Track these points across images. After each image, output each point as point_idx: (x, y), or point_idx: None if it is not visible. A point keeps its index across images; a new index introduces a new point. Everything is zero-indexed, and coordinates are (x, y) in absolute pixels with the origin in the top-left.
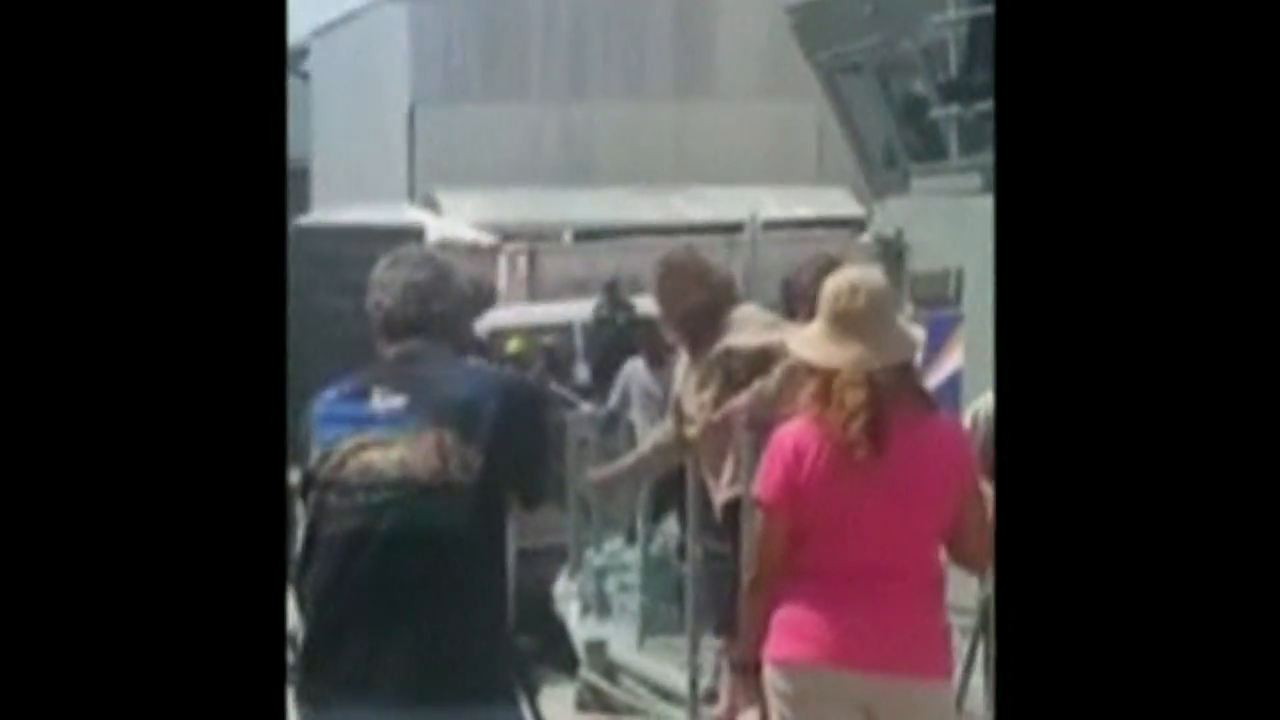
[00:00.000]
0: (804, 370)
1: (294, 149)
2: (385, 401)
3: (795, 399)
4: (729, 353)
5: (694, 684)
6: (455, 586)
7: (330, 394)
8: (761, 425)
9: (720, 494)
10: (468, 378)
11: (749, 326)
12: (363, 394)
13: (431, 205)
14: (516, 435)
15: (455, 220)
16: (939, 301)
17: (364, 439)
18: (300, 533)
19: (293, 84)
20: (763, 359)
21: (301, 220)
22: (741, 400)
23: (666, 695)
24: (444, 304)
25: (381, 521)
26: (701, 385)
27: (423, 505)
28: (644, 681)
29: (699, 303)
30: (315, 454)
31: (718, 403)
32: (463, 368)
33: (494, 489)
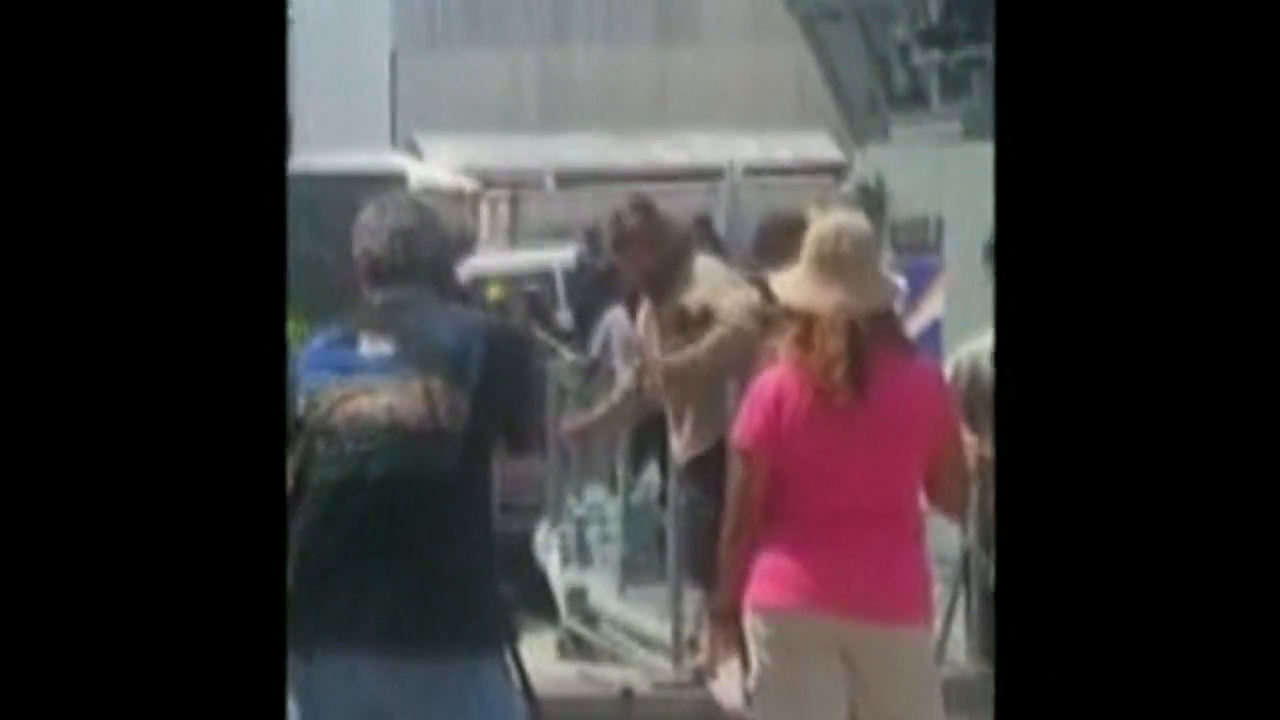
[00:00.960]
0: (785, 314)
1: None
2: (373, 348)
3: (727, 365)
4: (683, 310)
5: (676, 633)
6: (443, 534)
7: (317, 340)
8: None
9: (682, 450)
10: (455, 324)
11: (707, 282)
12: (350, 340)
13: (413, 150)
14: (503, 381)
15: (436, 166)
16: (919, 249)
17: (351, 386)
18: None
19: None
20: (709, 318)
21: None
22: (670, 360)
23: (648, 643)
24: (430, 250)
25: (370, 468)
26: (663, 335)
27: (411, 452)
28: (625, 630)
29: (653, 263)
30: (302, 401)
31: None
32: (450, 313)
33: (481, 436)
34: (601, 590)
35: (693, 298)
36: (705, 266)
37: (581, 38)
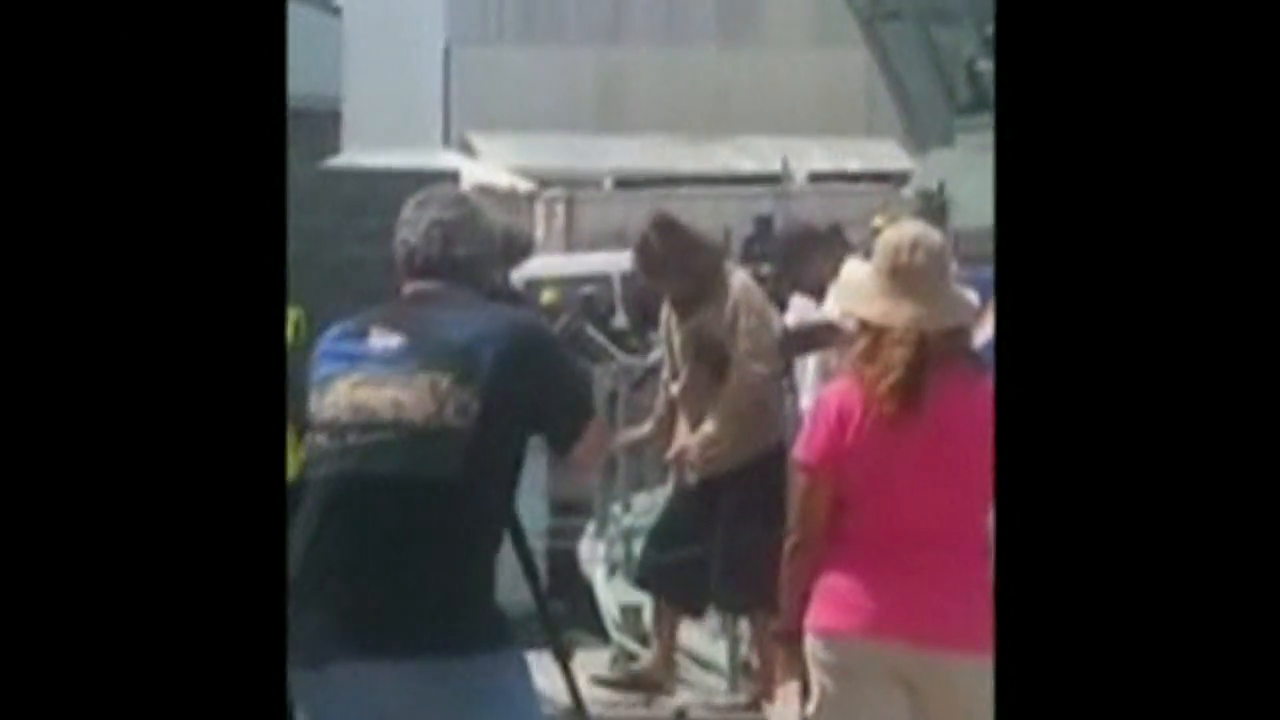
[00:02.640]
0: (858, 328)
1: (325, 89)
2: (382, 340)
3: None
4: (708, 330)
5: (732, 654)
6: (444, 535)
7: (333, 331)
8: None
9: (703, 461)
10: (472, 320)
11: (740, 300)
12: (360, 333)
13: (467, 150)
14: (521, 378)
15: (491, 166)
16: (983, 259)
17: (357, 378)
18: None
19: (324, 20)
20: (733, 339)
21: (330, 163)
22: (696, 445)
23: (703, 664)
24: (468, 247)
25: (373, 463)
26: (683, 348)
27: (416, 448)
28: (683, 650)
29: (680, 282)
30: (312, 395)
31: (684, 381)
32: (471, 309)
33: (494, 435)
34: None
35: (719, 318)
36: (739, 286)
37: (641, 37)
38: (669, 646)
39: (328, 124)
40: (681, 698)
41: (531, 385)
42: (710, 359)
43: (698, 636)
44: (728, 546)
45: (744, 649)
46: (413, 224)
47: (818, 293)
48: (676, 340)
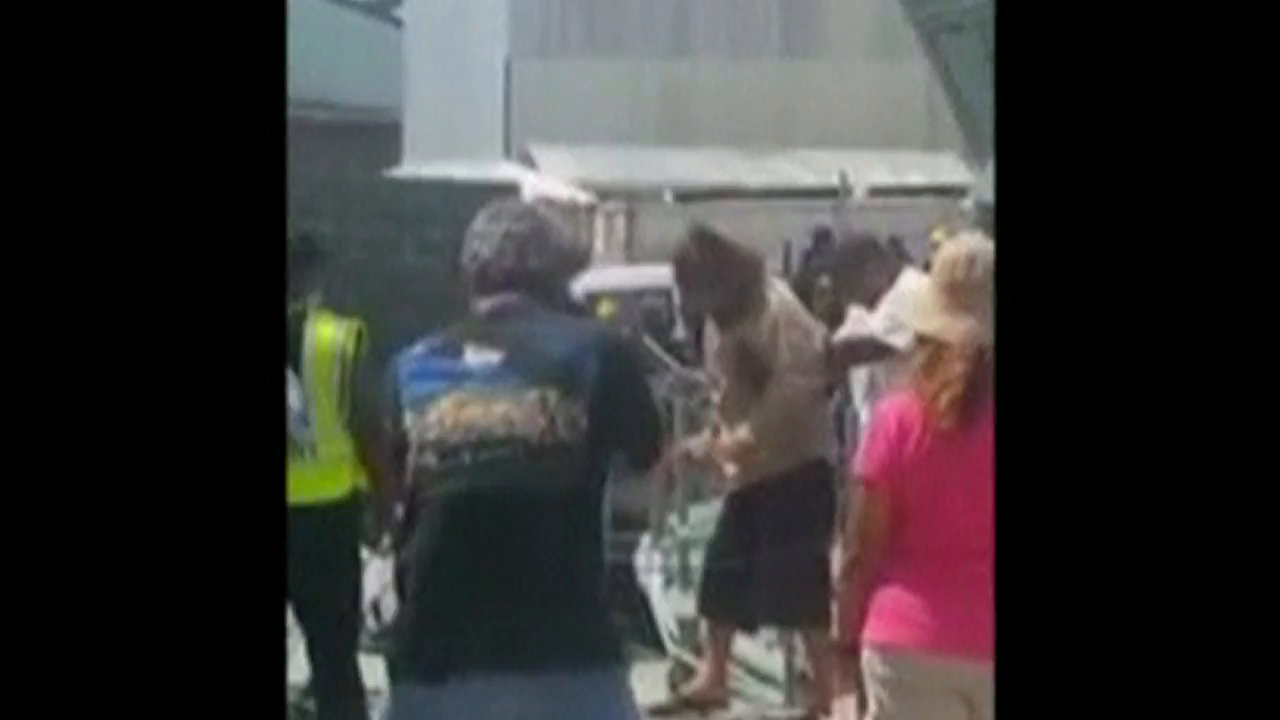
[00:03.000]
0: (916, 341)
1: (386, 100)
2: (480, 356)
3: (788, 419)
4: (749, 343)
5: (789, 665)
6: (564, 549)
7: (418, 349)
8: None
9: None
10: (565, 334)
11: (780, 314)
12: (455, 350)
13: (527, 161)
14: (618, 394)
15: (551, 178)
16: None
17: (461, 396)
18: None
19: (386, 31)
20: (774, 352)
21: (391, 173)
22: (688, 445)
23: (760, 676)
24: (541, 260)
25: (490, 481)
26: (723, 360)
27: (532, 465)
28: (736, 661)
29: (720, 295)
30: (409, 415)
31: (724, 391)
32: (558, 323)
33: (599, 449)
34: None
35: (759, 330)
36: (779, 300)
37: (703, 49)
38: (721, 661)
39: (389, 135)
40: (736, 710)
41: (627, 399)
42: (750, 371)
43: (753, 648)
44: (771, 559)
45: (800, 661)
46: (485, 237)
47: (873, 304)
48: (717, 351)
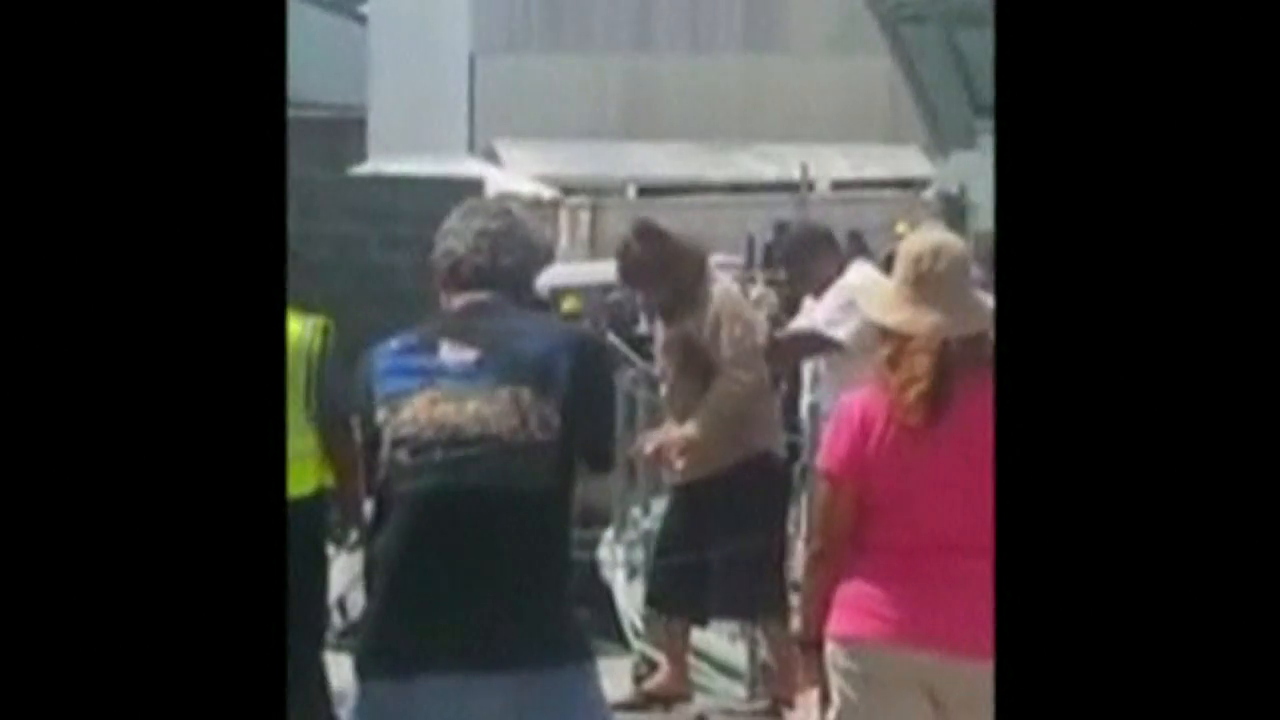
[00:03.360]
0: (876, 335)
1: (350, 96)
2: (455, 354)
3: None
4: (692, 337)
5: (753, 658)
6: (535, 547)
7: (392, 345)
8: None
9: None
10: (539, 332)
11: (722, 308)
12: (430, 346)
13: (492, 157)
14: (589, 394)
15: (515, 173)
16: None
17: (435, 393)
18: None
19: (350, 27)
20: (716, 346)
21: (355, 170)
22: (675, 440)
23: (723, 669)
24: (514, 257)
25: (462, 479)
26: (669, 354)
27: (504, 463)
28: (701, 655)
29: (663, 290)
30: (382, 410)
31: (670, 385)
32: (532, 321)
33: (570, 447)
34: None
35: (702, 325)
36: (721, 293)
37: (666, 44)
38: (681, 655)
39: (353, 131)
40: (700, 703)
41: (595, 401)
42: (695, 365)
43: (716, 641)
44: (719, 553)
45: (763, 653)
46: (458, 234)
47: (822, 295)
48: (663, 346)
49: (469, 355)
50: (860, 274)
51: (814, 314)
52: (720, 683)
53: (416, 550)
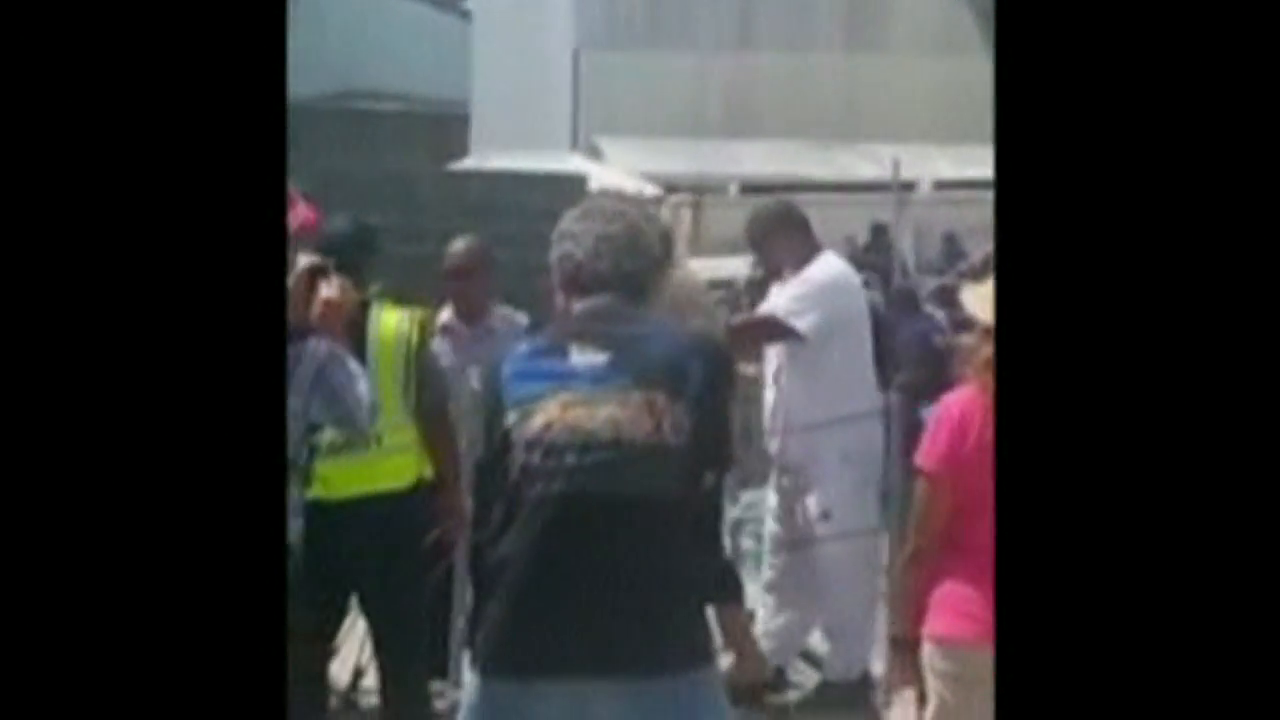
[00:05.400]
0: (982, 333)
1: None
2: (585, 357)
3: None
4: None
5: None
6: (665, 551)
7: (522, 349)
8: None
9: None
10: (667, 336)
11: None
12: (559, 350)
13: (594, 153)
14: (715, 397)
15: (618, 170)
16: None
17: (567, 396)
18: (476, 494)
19: (453, 23)
20: None
21: (456, 165)
22: None
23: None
24: (635, 261)
25: (595, 482)
26: None
27: (637, 467)
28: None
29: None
30: (512, 414)
31: None
32: (657, 325)
33: (702, 451)
34: (757, 601)
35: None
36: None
37: (768, 43)
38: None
39: (456, 127)
40: (791, 697)
41: (723, 403)
42: None
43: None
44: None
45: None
46: (576, 238)
47: (780, 276)
48: None
49: (600, 359)
50: (827, 266)
51: (776, 300)
52: (814, 679)
53: (547, 553)
